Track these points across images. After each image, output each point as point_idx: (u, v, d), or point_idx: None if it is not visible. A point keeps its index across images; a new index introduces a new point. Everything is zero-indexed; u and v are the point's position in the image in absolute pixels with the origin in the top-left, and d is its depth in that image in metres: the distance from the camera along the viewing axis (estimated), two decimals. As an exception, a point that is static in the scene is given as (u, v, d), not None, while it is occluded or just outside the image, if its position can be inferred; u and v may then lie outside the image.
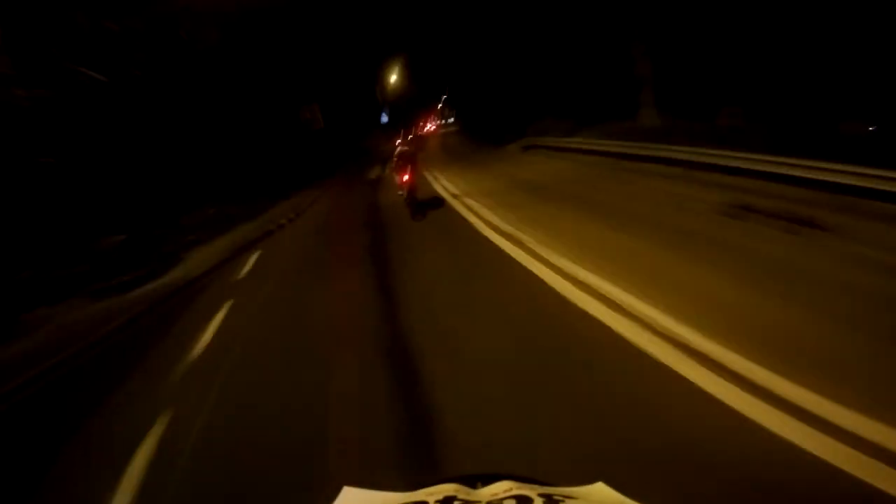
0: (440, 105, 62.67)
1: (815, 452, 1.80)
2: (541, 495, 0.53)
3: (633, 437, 2.06)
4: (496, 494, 0.57)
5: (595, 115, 13.09)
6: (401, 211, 7.86)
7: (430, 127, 49.02)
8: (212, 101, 13.89)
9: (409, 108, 39.38)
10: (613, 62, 12.81)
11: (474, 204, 7.34)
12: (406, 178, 7.31)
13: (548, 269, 4.19)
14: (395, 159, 7.67)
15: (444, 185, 10.02)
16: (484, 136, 23.65)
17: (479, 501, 0.55)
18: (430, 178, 11.73)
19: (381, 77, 38.02)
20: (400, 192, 7.74)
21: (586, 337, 2.99)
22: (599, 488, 0.59)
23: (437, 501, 0.54)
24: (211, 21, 14.08)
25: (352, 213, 9.16)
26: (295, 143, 18.40)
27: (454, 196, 8.37)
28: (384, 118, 33.61)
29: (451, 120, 59.90)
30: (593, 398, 2.38)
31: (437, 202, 8.20)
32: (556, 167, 10.42)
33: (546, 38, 16.76)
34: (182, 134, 12.28)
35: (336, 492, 0.62)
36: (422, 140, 30.22)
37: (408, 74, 38.96)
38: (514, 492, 0.55)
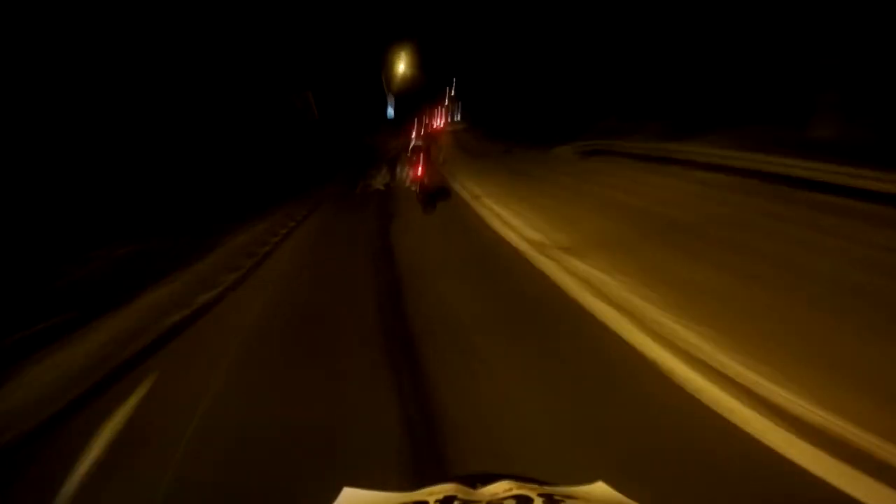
0: (447, 100, 58.71)
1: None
2: (541, 495, 0.52)
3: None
4: (496, 494, 0.56)
5: (709, 116, 9.26)
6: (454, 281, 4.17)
7: (438, 123, 45.12)
8: (152, 76, 10.13)
9: (417, 101, 35.60)
10: (743, 40, 9.00)
11: (604, 280, 3.56)
12: (420, 171, 7.47)
13: None
14: (409, 154, 8.00)
15: (501, 215, 6.21)
16: (508, 135, 19.89)
17: (480, 501, 0.55)
18: (467, 198, 7.95)
19: (386, 65, 34.11)
20: (413, 188, 7.95)
21: None
22: (599, 488, 0.59)
23: (437, 501, 0.53)
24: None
25: (351, 262, 5.40)
26: (281, 140, 14.55)
27: (537, 247, 4.61)
28: (390, 112, 29.77)
29: (458, 117, 56.01)
30: None
31: (514, 269, 4.47)
32: (671, 188, 6.70)
33: (612, 13, 13.01)
34: (94, 123, 8.54)
35: (336, 492, 0.57)
36: (432, 137, 26.48)
37: (418, 63, 35.06)
38: (514, 492, 0.55)
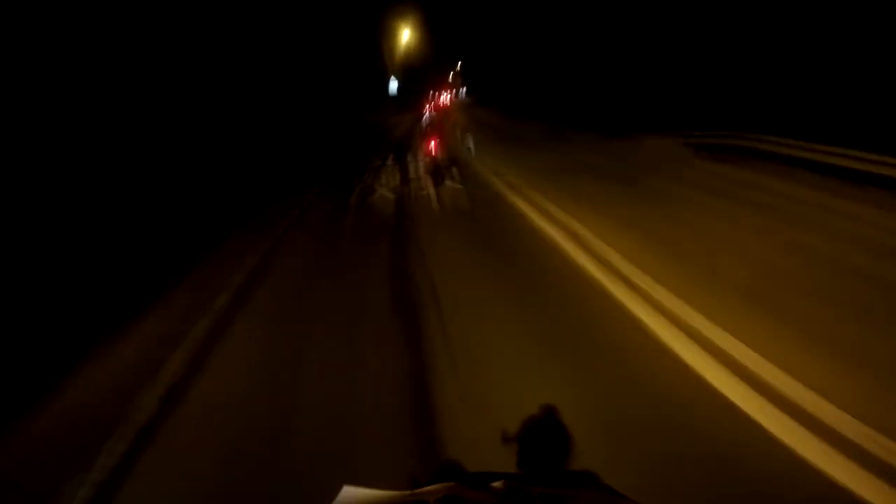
0: (453, 73, 54.14)
1: None
2: (541, 494, 0.52)
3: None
4: (497, 494, 0.56)
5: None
6: None
7: (445, 99, 40.94)
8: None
9: (422, 75, 31.47)
10: None
11: None
12: (433, 145, 7.71)
13: None
14: (424, 128, 8.29)
15: (730, 356, 2.69)
16: (539, 115, 16.14)
17: (480, 500, 0.54)
18: (579, 259, 4.35)
19: (388, 34, 29.72)
20: (426, 161, 7.87)
21: None
22: (599, 488, 0.59)
23: (437, 500, 0.53)
24: None
25: None
26: (240, 121, 10.61)
27: None
28: (393, 87, 25.70)
29: (464, 93, 51.68)
30: None
31: None
32: None
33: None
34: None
35: (336, 491, 0.57)
36: (444, 113, 22.60)
37: (423, 33, 30.66)
38: (515, 491, 0.54)
